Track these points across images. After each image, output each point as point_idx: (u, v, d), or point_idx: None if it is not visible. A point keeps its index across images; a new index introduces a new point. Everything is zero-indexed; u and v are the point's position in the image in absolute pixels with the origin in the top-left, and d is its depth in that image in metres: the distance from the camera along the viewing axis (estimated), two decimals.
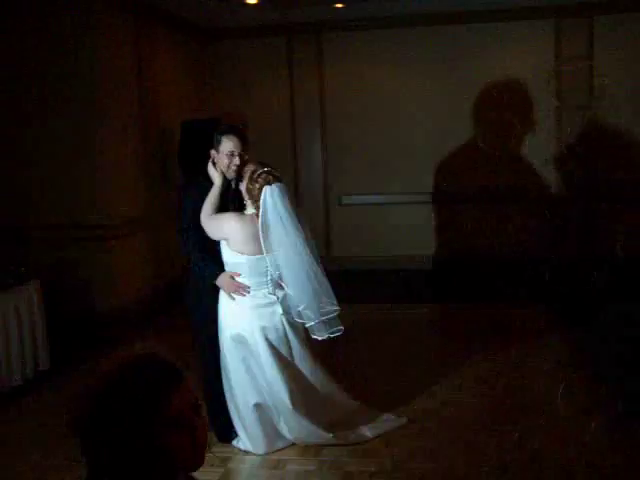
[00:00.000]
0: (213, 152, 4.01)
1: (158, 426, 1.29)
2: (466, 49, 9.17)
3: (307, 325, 3.88)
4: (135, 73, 7.46)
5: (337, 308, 3.87)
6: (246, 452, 4.13)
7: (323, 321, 3.84)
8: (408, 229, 9.46)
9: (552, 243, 9.28)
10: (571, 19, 8.94)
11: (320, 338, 3.90)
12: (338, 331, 3.89)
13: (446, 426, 4.43)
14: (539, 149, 9.18)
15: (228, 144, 3.96)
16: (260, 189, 3.81)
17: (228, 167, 3.95)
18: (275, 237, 3.81)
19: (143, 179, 7.60)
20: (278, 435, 4.10)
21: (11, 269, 5.50)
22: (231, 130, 4.06)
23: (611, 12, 8.82)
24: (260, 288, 3.95)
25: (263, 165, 3.94)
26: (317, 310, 3.82)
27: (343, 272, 9.14)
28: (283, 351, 3.95)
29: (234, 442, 4.19)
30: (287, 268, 3.86)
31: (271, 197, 3.79)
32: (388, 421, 4.42)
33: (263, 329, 3.91)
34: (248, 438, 4.08)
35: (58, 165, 6.79)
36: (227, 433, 4.18)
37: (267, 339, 3.90)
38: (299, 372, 4.00)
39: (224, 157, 3.95)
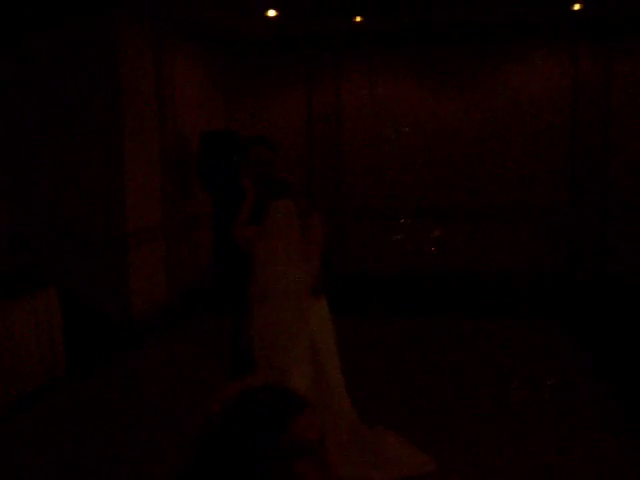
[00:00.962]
0: (245, 163, 4.03)
1: (281, 449, 1.28)
2: (483, 67, 9.23)
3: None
4: (155, 85, 7.55)
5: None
6: None
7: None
8: (422, 243, 9.49)
9: (566, 260, 9.29)
10: (589, 39, 8.97)
11: None
12: None
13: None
14: (554, 168, 9.21)
15: (257, 153, 3.98)
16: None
17: (258, 176, 3.97)
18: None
19: (161, 188, 7.67)
20: None
21: (29, 276, 5.57)
22: (260, 139, 4.10)
23: (629, 34, 8.87)
24: None
25: (280, 178, 3.97)
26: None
27: (356, 284, 9.20)
28: None
29: None
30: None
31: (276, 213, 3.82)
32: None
33: None
34: None
35: (77, 174, 6.88)
36: None
37: None
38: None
39: (254, 166, 3.97)
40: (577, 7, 7.90)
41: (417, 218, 9.53)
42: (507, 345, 6.32)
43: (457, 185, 9.42)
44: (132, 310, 6.96)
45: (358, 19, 8.33)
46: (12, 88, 6.84)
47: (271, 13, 7.79)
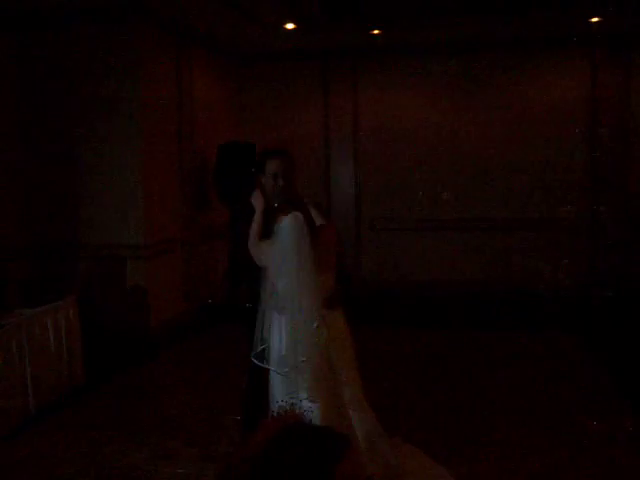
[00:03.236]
0: (261, 177, 4.00)
1: None
2: (501, 78, 9.23)
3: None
4: (175, 96, 7.63)
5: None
6: None
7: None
8: (440, 254, 9.49)
9: (585, 274, 9.22)
10: (608, 48, 8.95)
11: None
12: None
13: None
14: (572, 180, 9.17)
15: (273, 165, 3.96)
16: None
17: (273, 189, 3.94)
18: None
19: (179, 200, 7.73)
20: None
21: (49, 286, 5.62)
22: (276, 152, 4.07)
23: None
24: None
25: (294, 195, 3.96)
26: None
27: (373, 295, 9.19)
28: None
29: None
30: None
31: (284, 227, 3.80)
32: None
33: None
34: None
35: (97, 186, 6.96)
36: None
37: None
38: None
39: (269, 179, 3.95)
40: (595, 19, 7.90)
41: (434, 229, 9.53)
42: (526, 359, 6.28)
43: (475, 196, 9.40)
44: (150, 321, 7.01)
45: (376, 32, 8.38)
46: (32, 101, 6.95)
47: (289, 26, 7.86)
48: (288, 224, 3.74)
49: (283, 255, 3.75)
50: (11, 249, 6.64)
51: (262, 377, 3.87)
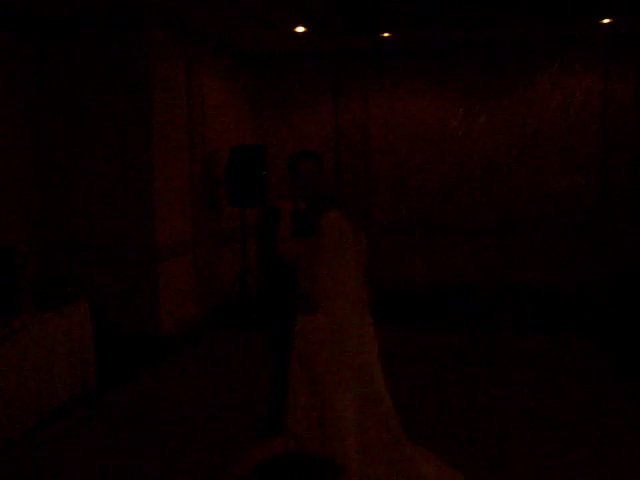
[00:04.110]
0: (291, 178, 4.01)
1: None
2: (511, 81, 9.21)
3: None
4: (186, 100, 7.64)
5: None
6: None
7: None
8: (449, 257, 9.47)
9: (598, 274, 9.18)
10: (619, 54, 8.92)
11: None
12: None
13: None
14: (585, 182, 9.14)
15: (303, 166, 3.97)
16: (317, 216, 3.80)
17: (304, 190, 3.95)
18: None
19: (190, 204, 7.74)
20: None
21: (60, 289, 5.62)
22: (306, 153, 4.10)
23: None
24: None
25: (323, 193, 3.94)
26: None
27: (383, 298, 9.17)
28: None
29: None
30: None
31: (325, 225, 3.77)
32: None
33: None
34: None
35: (108, 189, 6.98)
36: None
37: None
38: None
39: (300, 180, 3.96)
40: (607, 21, 7.86)
41: (445, 232, 9.51)
42: (539, 361, 6.24)
43: (486, 199, 9.37)
44: (161, 324, 7.01)
45: (386, 35, 8.37)
46: (44, 106, 6.98)
47: (300, 29, 7.86)
48: (329, 221, 3.71)
49: (325, 254, 3.72)
50: (22, 253, 6.65)
51: (283, 379, 3.86)
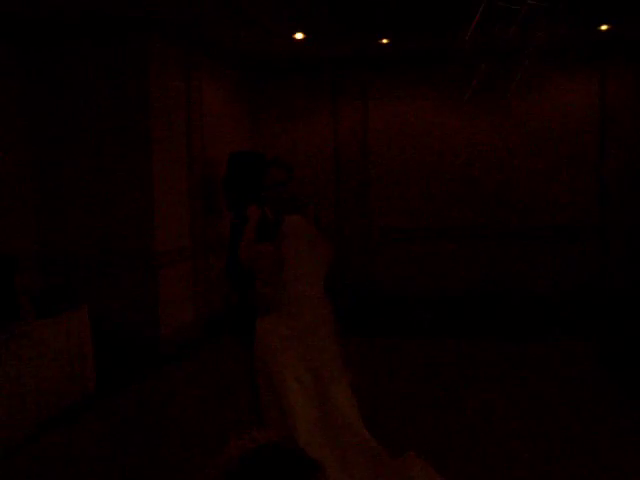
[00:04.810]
0: (262, 187, 4.07)
1: None
2: (511, 86, 9.23)
3: None
4: (184, 106, 7.66)
5: None
6: None
7: None
8: (450, 262, 9.49)
9: (596, 281, 9.21)
10: (617, 60, 8.96)
11: None
12: None
13: None
14: (583, 188, 9.17)
15: (272, 174, 4.04)
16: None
17: (273, 197, 4.02)
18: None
19: (190, 210, 7.75)
20: None
21: (61, 295, 5.64)
22: (276, 161, 4.17)
23: None
24: None
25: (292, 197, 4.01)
26: None
27: (385, 303, 9.19)
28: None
29: None
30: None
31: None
32: None
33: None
34: None
35: (108, 195, 6.98)
36: None
37: None
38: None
39: (268, 187, 4.03)
40: (604, 27, 7.90)
41: (444, 237, 9.53)
42: (537, 367, 6.25)
43: (485, 205, 9.40)
44: (160, 330, 7.01)
45: (385, 41, 8.40)
46: (43, 114, 6.99)
47: (298, 36, 7.89)
48: (288, 225, 3.83)
49: (282, 257, 3.81)
50: (22, 259, 6.66)
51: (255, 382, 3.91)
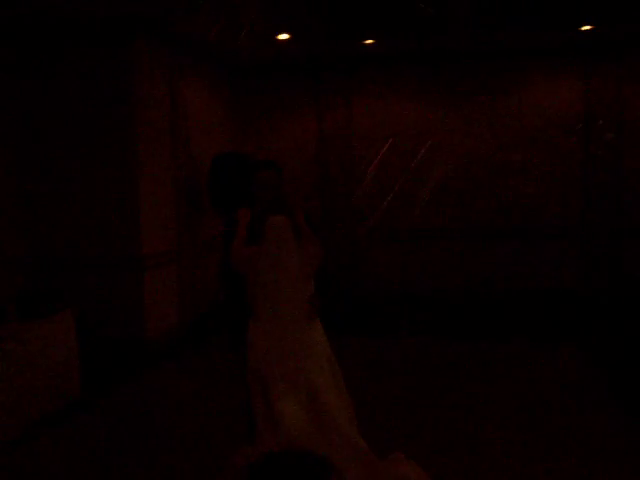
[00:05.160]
0: (252, 189, 4.05)
1: None
2: (495, 87, 9.30)
3: None
4: (169, 108, 7.63)
5: None
6: None
7: None
8: (438, 262, 9.53)
9: (579, 281, 9.28)
10: (600, 59, 9.03)
11: None
12: None
13: None
14: (567, 188, 9.25)
15: (261, 176, 4.01)
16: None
17: (263, 199, 3.99)
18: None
19: (175, 212, 7.72)
20: None
21: (45, 298, 5.60)
22: (265, 163, 4.14)
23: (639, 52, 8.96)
24: None
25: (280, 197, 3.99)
26: None
27: (372, 303, 9.20)
28: None
29: None
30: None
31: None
32: None
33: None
34: None
35: (93, 198, 6.95)
36: None
37: None
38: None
39: (258, 189, 4.00)
40: (586, 27, 7.96)
41: (430, 237, 9.56)
42: (527, 369, 6.25)
43: (471, 204, 9.44)
44: (146, 332, 6.98)
45: (369, 41, 8.42)
46: (31, 115, 6.95)
47: (282, 37, 7.88)
48: (273, 226, 3.83)
49: (267, 259, 3.81)
50: (7, 262, 6.62)
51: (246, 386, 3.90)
